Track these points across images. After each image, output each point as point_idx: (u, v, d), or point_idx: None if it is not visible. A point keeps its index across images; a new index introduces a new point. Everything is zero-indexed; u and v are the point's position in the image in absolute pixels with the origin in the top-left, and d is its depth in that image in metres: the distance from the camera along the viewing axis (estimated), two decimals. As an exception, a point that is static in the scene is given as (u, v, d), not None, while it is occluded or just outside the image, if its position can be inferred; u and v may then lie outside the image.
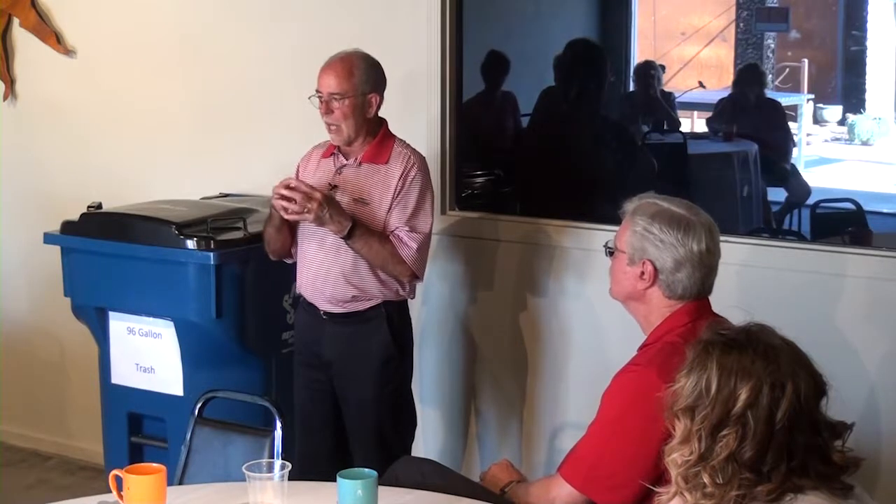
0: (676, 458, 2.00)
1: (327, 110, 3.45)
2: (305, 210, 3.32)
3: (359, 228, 3.39)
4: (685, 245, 2.68)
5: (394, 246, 3.44)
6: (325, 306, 3.55)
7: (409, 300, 3.66)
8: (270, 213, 3.52)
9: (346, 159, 3.53)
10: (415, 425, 3.77)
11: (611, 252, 2.79)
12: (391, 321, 3.55)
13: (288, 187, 3.33)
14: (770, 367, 1.95)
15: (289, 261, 3.66)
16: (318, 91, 3.47)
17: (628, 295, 2.75)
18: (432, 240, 4.16)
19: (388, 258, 3.43)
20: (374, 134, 3.52)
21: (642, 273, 2.70)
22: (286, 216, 3.38)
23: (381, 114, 3.57)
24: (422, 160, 3.55)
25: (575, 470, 2.68)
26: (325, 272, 3.51)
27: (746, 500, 1.95)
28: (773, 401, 1.93)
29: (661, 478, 2.30)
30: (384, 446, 3.53)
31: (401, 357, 3.61)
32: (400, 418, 3.66)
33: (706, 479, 1.94)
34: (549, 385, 4.11)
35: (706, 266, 2.72)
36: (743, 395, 1.92)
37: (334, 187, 3.48)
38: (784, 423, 1.92)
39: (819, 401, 2.00)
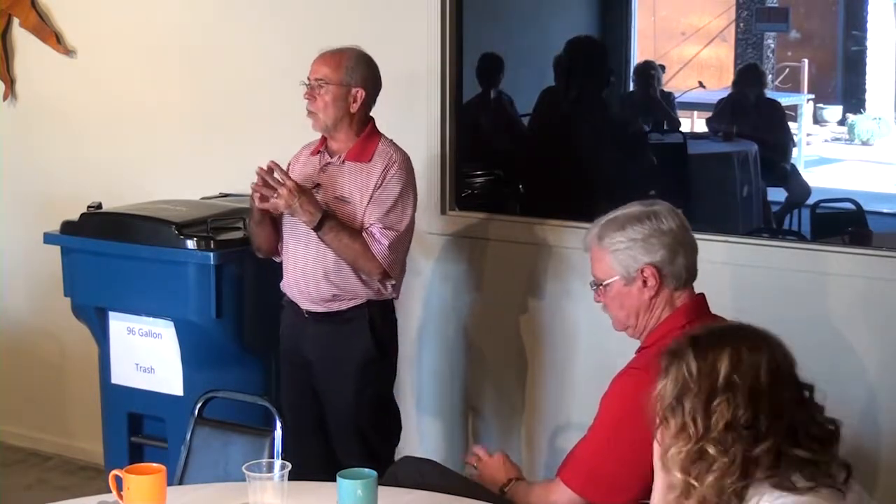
0: (674, 452, 2.01)
1: (310, 96, 3.47)
2: (275, 196, 3.34)
3: (329, 221, 3.39)
4: (665, 230, 2.69)
5: (365, 242, 3.43)
6: (306, 305, 3.55)
7: (394, 300, 3.63)
8: (250, 208, 3.54)
9: (331, 157, 3.53)
10: (399, 428, 3.73)
11: (597, 287, 2.76)
12: (373, 322, 3.52)
13: (263, 171, 3.37)
14: (741, 334, 2.05)
15: (277, 259, 3.65)
16: (307, 77, 3.50)
17: (637, 311, 2.73)
18: (432, 239, 4.17)
19: (359, 253, 3.42)
20: (359, 132, 3.52)
21: (645, 282, 2.69)
22: (259, 204, 3.40)
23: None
24: (405, 159, 3.53)
25: (575, 474, 2.68)
26: (306, 270, 3.51)
27: (752, 466, 1.97)
28: (753, 360, 2.00)
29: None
30: (367, 448, 3.52)
31: (382, 359, 3.58)
32: (382, 420, 3.63)
33: (711, 448, 1.97)
34: (550, 385, 4.11)
35: (690, 242, 2.75)
36: (725, 363, 1.99)
37: (317, 185, 3.48)
38: (768, 380, 1.99)
39: (794, 368, 2.06)
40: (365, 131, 3.52)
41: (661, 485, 2.24)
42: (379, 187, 3.45)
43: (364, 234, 3.44)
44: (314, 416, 3.60)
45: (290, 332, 3.65)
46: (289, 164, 3.65)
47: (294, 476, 2.45)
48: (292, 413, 3.61)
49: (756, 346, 2.02)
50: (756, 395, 1.97)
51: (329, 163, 3.52)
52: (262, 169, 3.39)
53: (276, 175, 3.38)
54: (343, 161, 3.50)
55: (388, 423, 3.68)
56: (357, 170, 3.48)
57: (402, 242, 3.49)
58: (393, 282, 3.53)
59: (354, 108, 3.48)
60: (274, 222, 3.56)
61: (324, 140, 3.57)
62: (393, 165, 3.47)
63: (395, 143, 3.55)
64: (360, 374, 3.52)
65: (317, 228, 3.38)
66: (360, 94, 3.48)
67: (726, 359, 1.99)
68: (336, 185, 3.48)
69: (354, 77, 3.47)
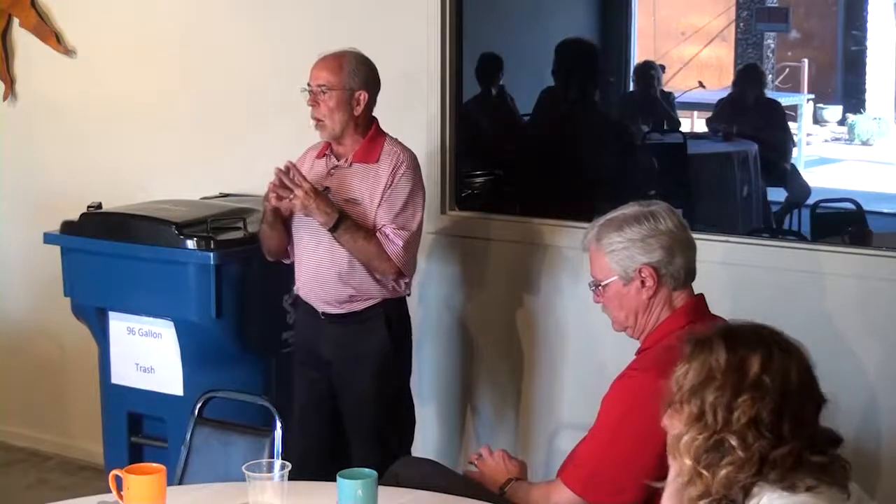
0: (687, 439, 1.99)
1: (314, 102, 3.47)
2: (292, 196, 3.34)
3: (345, 222, 3.40)
4: (662, 230, 2.69)
5: (380, 243, 3.44)
6: (322, 307, 3.55)
7: (407, 298, 3.65)
8: (263, 210, 3.54)
9: (338, 160, 3.54)
10: (414, 424, 3.77)
11: (596, 287, 2.76)
12: (389, 321, 3.55)
13: (280, 171, 3.37)
14: (773, 337, 2.02)
15: (286, 261, 3.66)
16: (308, 84, 3.49)
17: (635, 311, 2.72)
18: (432, 239, 4.17)
19: (374, 254, 3.43)
20: (364, 133, 3.53)
21: (643, 282, 2.69)
22: (274, 203, 3.40)
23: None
24: (412, 158, 3.55)
25: (575, 475, 2.68)
26: (321, 273, 3.51)
27: (768, 467, 1.96)
28: (784, 364, 1.97)
29: (662, 480, 2.29)
30: (383, 445, 3.53)
31: (399, 356, 3.61)
32: (399, 417, 3.66)
33: (732, 440, 1.95)
34: (546, 384, 4.11)
35: (688, 241, 2.74)
36: (756, 362, 1.96)
37: (326, 188, 3.49)
38: (797, 386, 1.97)
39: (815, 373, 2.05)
40: (370, 132, 3.53)
41: (672, 472, 2.22)
42: (389, 188, 3.46)
43: (378, 234, 3.45)
44: (325, 415, 3.62)
45: (304, 333, 3.66)
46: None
47: (299, 476, 2.45)
48: (302, 412, 3.63)
49: (787, 350, 2.00)
50: (784, 399, 1.95)
51: (336, 165, 3.53)
52: (279, 169, 3.39)
53: (292, 175, 3.38)
54: (350, 163, 3.51)
55: (405, 418, 3.71)
56: (365, 171, 3.49)
57: (414, 241, 3.52)
58: (407, 280, 3.56)
59: (358, 110, 3.49)
60: (285, 225, 3.57)
61: (328, 143, 3.57)
62: (401, 165, 3.48)
63: (400, 143, 3.57)
64: (380, 372, 3.55)
65: (333, 229, 3.39)
66: (363, 96, 3.49)
67: (758, 358, 1.97)
68: (345, 188, 3.49)
69: (356, 80, 3.48)
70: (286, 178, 3.38)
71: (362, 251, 3.43)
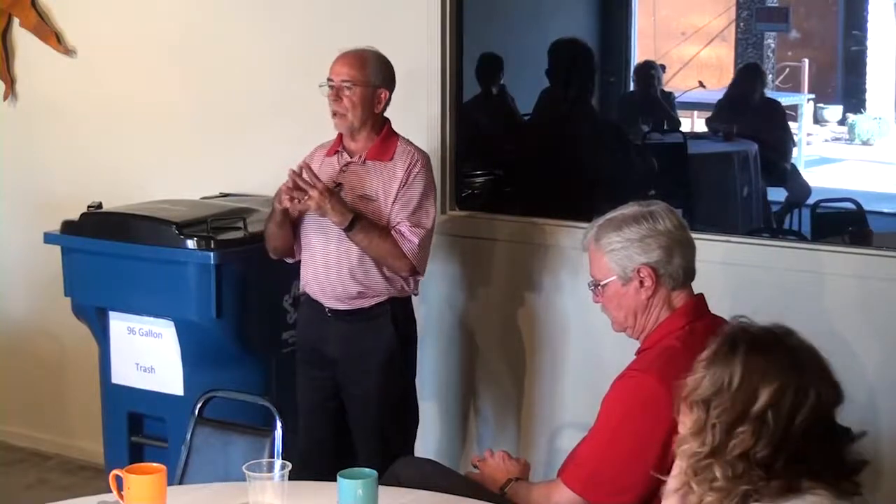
0: (687, 449, 1.98)
1: (336, 97, 3.48)
2: (307, 197, 3.34)
3: (360, 221, 3.41)
4: (661, 230, 2.69)
5: (394, 240, 3.45)
6: (330, 303, 3.56)
7: (413, 297, 3.66)
8: (272, 209, 3.54)
9: (351, 157, 3.54)
10: (417, 423, 3.77)
11: (595, 287, 2.77)
12: (396, 319, 3.56)
13: (294, 173, 3.37)
14: (796, 371, 1.95)
15: (290, 260, 3.66)
16: (329, 79, 3.50)
17: (634, 311, 2.72)
18: (433, 239, 4.17)
19: (389, 252, 3.45)
20: (378, 131, 3.54)
21: (641, 282, 2.69)
22: (288, 204, 3.39)
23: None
24: (425, 158, 3.58)
25: (576, 475, 2.68)
26: (331, 268, 3.52)
27: (754, 496, 1.94)
28: (795, 404, 1.92)
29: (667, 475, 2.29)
30: (387, 444, 3.54)
31: (405, 354, 3.62)
32: (403, 416, 3.66)
33: (718, 472, 1.92)
34: (547, 383, 4.11)
35: (687, 241, 2.74)
36: (765, 396, 1.91)
37: (339, 185, 3.49)
38: (802, 427, 1.92)
39: (836, 408, 1.99)
40: (384, 131, 3.55)
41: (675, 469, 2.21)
42: (404, 186, 3.48)
43: (392, 232, 3.46)
44: (329, 413, 3.63)
45: (308, 330, 3.66)
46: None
47: (303, 475, 2.45)
48: (306, 410, 3.65)
49: (805, 386, 1.93)
50: (783, 438, 1.90)
51: (350, 162, 3.54)
52: (293, 171, 3.39)
53: (305, 176, 3.38)
54: (364, 160, 3.52)
55: (409, 417, 3.71)
56: (379, 168, 3.51)
57: (428, 239, 3.55)
58: (419, 278, 3.58)
59: (378, 108, 3.52)
60: (293, 224, 3.57)
61: (339, 140, 3.58)
62: (416, 164, 3.51)
63: (412, 143, 3.59)
64: (386, 370, 3.55)
65: (348, 229, 3.40)
66: (385, 94, 3.52)
67: (770, 390, 1.91)
68: (360, 184, 3.50)
69: (379, 78, 3.51)
70: (300, 179, 3.37)
71: (377, 249, 3.44)
